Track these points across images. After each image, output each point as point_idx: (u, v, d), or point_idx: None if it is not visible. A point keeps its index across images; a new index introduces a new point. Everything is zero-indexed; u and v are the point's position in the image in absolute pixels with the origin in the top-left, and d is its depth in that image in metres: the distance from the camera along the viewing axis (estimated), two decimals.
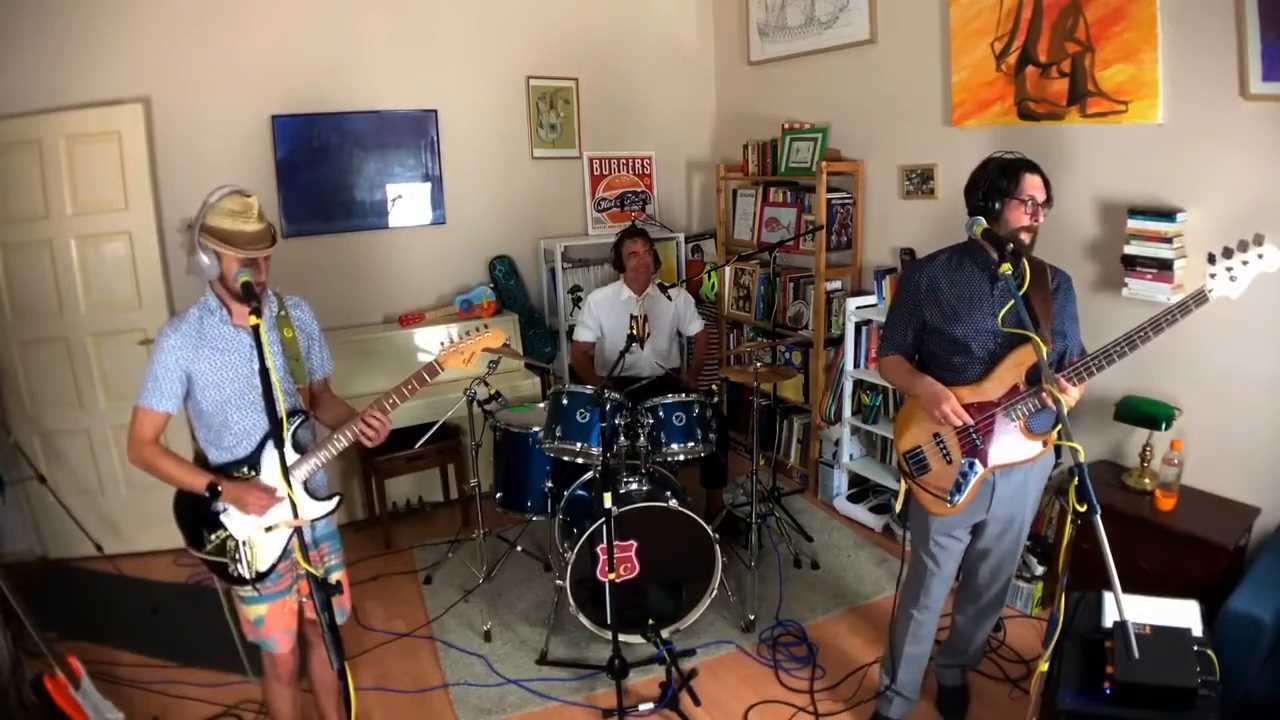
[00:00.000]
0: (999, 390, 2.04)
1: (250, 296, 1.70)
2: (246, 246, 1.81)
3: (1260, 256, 1.71)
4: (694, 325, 3.92)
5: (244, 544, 1.93)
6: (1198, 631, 1.91)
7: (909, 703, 2.39)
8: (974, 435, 2.09)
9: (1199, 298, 1.75)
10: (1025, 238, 2.02)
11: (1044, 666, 1.72)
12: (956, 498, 2.13)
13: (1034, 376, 1.99)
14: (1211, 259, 1.76)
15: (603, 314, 3.71)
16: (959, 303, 2.09)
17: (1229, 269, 1.73)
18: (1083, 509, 1.50)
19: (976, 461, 2.10)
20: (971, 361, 2.08)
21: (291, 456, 1.95)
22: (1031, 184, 2.01)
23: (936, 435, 2.15)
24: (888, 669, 2.42)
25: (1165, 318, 1.79)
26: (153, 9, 3.54)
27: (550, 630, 2.90)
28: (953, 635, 2.46)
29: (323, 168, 4.04)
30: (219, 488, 1.87)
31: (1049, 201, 2.04)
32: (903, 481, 2.28)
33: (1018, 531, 2.24)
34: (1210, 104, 2.56)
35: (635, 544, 2.77)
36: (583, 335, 3.73)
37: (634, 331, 3.59)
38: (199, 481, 1.87)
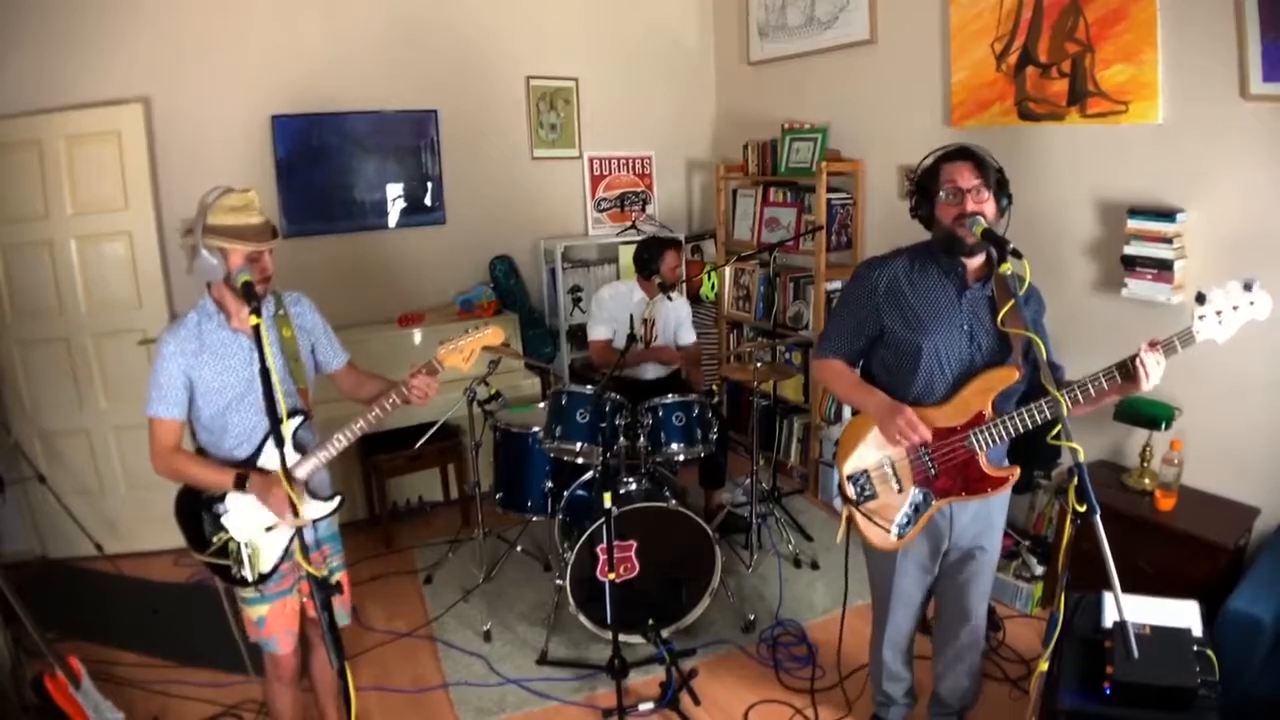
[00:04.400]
0: (963, 416, 1.87)
1: (251, 296, 1.69)
2: (253, 239, 1.81)
3: (1251, 304, 1.64)
4: (688, 336, 3.80)
5: (246, 545, 1.93)
6: (1198, 631, 1.91)
7: (906, 706, 2.39)
8: (929, 463, 1.91)
9: (1186, 338, 1.68)
10: (963, 235, 1.80)
11: (1044, 666, 1.71)
12: (903, 530, 1.98)
13: (1001, 405, 1.86)
14: (1200, 299, 1.67)
15: (615, 311, 3.63)
16: (924, 309, 1.89)
17: (1218, 312, 1.65)
18: (1082, 509, 1.48)
19: (930, 493, 1.94)
20: (933, 380, 1.90)
21: (292, 457, 1.94)
22: (950, 172, 1.83)
23: (886, 459, 1.97)
24: (877, 682, 2.37)
25: (1165, 346, 1.70)
26: (153, 9, 3.55)
27: (550, 630, 2.90)
28: (938, 688, 2.32)
29: (323, 168, 4.04)
30: (245, 481, 1.86)
31: (989, 185, 1.82)
32: (844, 509, 2.08)
33: (988, 565, 2.08)
34: (1210, 104, 2.56)
35: (635, 544, 2.77)
36: (603, 333, 3.62)
37: (642, 333, 3.55)
38: (227, 479, 1.87)
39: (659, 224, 4.84)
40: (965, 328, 1.88)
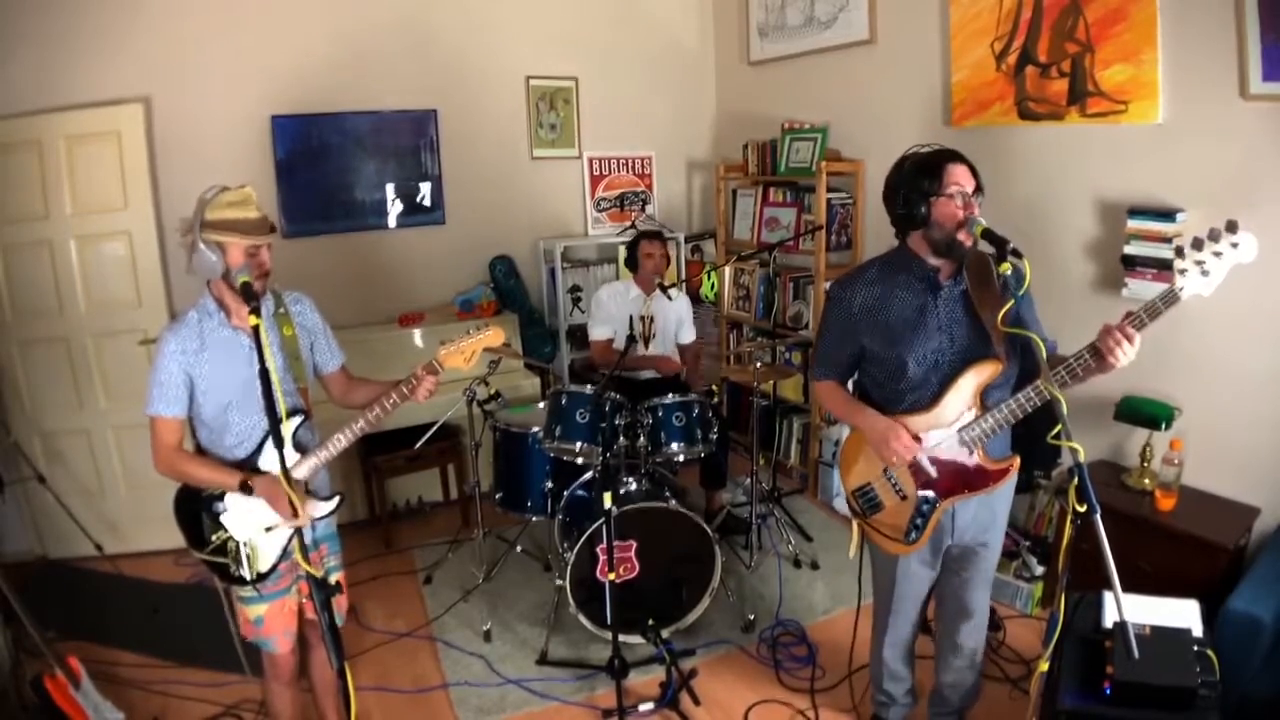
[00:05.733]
0: (953, 415, 1.87)
1: (250, 296, 1.70)
2: (251, 233, 1.81)
3: (1234, 246, 1.54)
4: (688, 334, 3.82)
5: (245, 544, 1.93)
6: (1198, 631, 1.91)
7: (907, 706, 2.39)
8: (929, 466, 1.92)
9: (1169, 298, 1.59)
10: (964, 238, 1.79)
11: (1044, 666, 1.71)
12: (914, 536, 1.97)
13: (990, 397, 1.85)
14: (1180, 252, 1.58)
15: (613, 310, 3.64)
16: (901, 323, 1.88)
17: (1199, 263, 1.56)
18: (1082, 509, 1.47)
19: (933, 494, 1.94)
20: (920, 385, 1.89)
21: (292, 456, 1.94)
22: (956, 174, 1.80)
23: (887, 470, 1.98)
24: (877, 682, 2.37)
25: (1133, 321, 1.63)
26: (153, 9, 3.55)
27: (550, 630, 2.90)
28: (940, 686, 2.32)
29: (323, 168, 4.04)
30: (250, 484, 1.86)
31: (979, 190, 1.82)
32: (854, 522, 2.10)
33: (990, 561, 2.09)
34: (1210, 104, 2.56)
35: (635, 544, 2.77)
36: (603, 333, 3.63)
37: (640, 331, 3.56)
38: (231, 480, 1.87)
39: (659, 224, 4.83)
40: (944, 328, 1.87)
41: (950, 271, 1.89)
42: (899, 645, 2.26)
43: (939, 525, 2.01)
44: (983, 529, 2.03)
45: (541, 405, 3.46)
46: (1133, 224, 2.70)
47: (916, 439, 1.88)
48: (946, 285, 1.88)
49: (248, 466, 1.93)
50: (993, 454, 1.91)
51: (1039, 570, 3.00)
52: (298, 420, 1.98)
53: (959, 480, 1.93)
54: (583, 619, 2.80)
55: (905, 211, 1.85)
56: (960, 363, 1.87)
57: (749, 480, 3.58)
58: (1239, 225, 1.55)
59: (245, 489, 1.86)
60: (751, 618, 3.00)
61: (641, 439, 2.93)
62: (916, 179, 1.83)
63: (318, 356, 2.12)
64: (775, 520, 3.67)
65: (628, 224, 4.84)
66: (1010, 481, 2.00)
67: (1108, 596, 1.94)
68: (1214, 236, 1.56)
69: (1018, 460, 1.94)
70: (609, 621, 2.60)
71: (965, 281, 1.88)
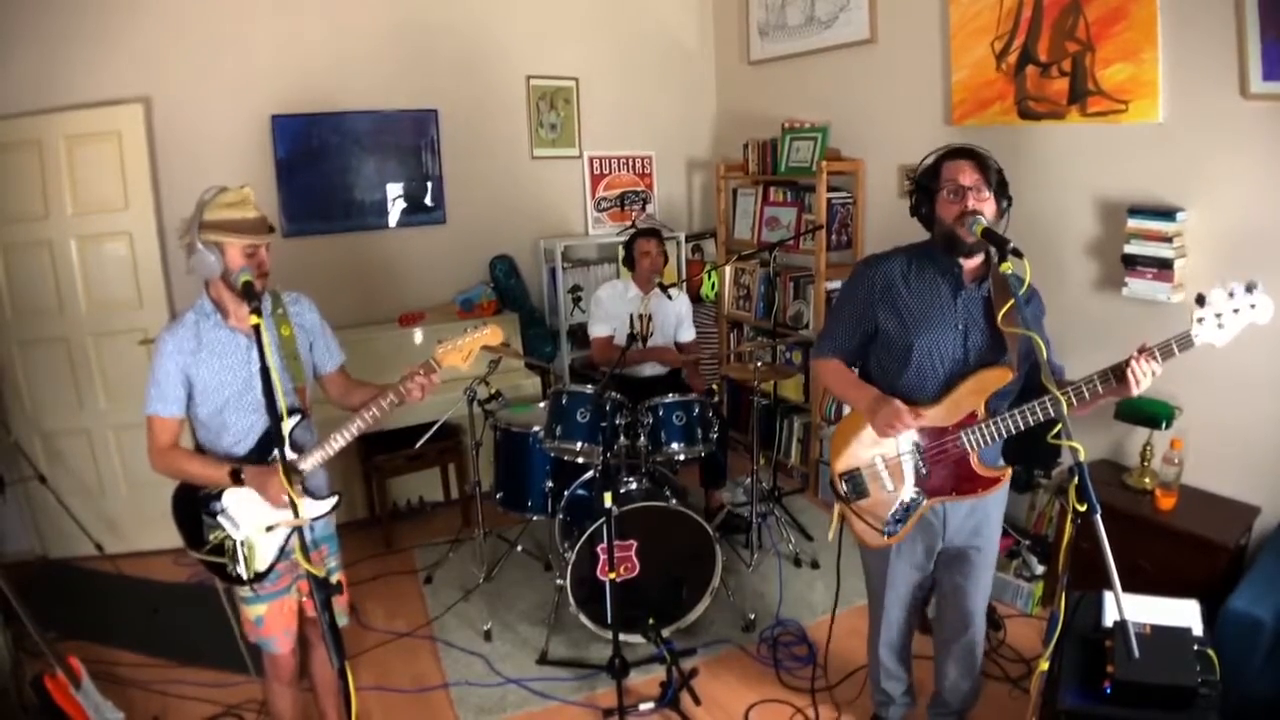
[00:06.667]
0: (955, 416, 1.87)
1: (251, 296, 1.70)
2: (249, 233, 1.81)
3: (1253, 307, 1.61)
4: (687, 333, 3.83)
5: (242, 543, 1.93)
6: (1198, 631, 1.91)
7: (905, 705, 2.39)
8: (920, 462, 1.93)
9: (1184, 342, 1.65)
10: (963, 234, 1.79)
11: (1044, 666, 1.71)
12: (891, 530, 1.98)
13: (994, 405, 1.86)
14: (1200, 301, 1.64)
15: (612, 309, 3.65)
16: (918, 310, 1.90)
17: (1218, 315, 1.62)
18: (1083, 508, 1.47)
19: (921, 492, 1.95)
20: (925, 379, 1.91)
21: (290, 456, 1.94)
22: (951, 170, 1.84)
23: (878, 458, 1.97)
24: (875, 681, 2.37)
25: (1148, 356, 1.68)
26: (153, 9, 3.54)
27: (550, 630, 2.90)
28: (940, 688, 2.31)
29: (323, 168, 4.04)
30: (241, 474, 1.86)
31: (989, 184, 1.83)
32: (836, 506, 2.09)
33: (985, 564, 2.08)
34: (1210, 103, 2.56)
35: (635, 543, 2.77)
36: (603, 331, 3.64)
37: (639, 330, 3.57)
38: (222, 473, 1.87)
39: (658, 223, 4.83)
40: (960, 327, 1.88)
41: (975, 275, 1.90)
42: (891, 644, 2.27)
43: (930, 526, 2.01)
44: (975, 532, 2.04)
45: (542, 405, 3.46)
46: (1133, 223, 2.70)
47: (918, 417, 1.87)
48: (970, 287, 1.89)
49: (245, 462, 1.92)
50: (985, 461, 1.91)
51: (1039, 570, 2.99)
52: (295, 420, 1.97)
53: (948, 481, 1.93)
54: (583, 618, 2.80)
55: (916, 213, 1.94)
56: (971, 364, 1.88)
57: (749, 480, 3.58)
58: (1258, 286, 1.61)
59: (236, 479, 1.86)
60: (752, 617, 3.00)
61: (642, 438, 2.93)
62: (922, 179, 1.91)
63: (317, 356, 2.12)
64: (775, 519, 3.67)
65: (628, 224, 4.83)
66: (1002, 489, 2.00)
67: (1108, 596, 1.94)
68: (1234, 294, 1.62)
69: (1009, 471, 1.95)
70: (609, 621, 2.60)
71: (989, 289, 1.88)
